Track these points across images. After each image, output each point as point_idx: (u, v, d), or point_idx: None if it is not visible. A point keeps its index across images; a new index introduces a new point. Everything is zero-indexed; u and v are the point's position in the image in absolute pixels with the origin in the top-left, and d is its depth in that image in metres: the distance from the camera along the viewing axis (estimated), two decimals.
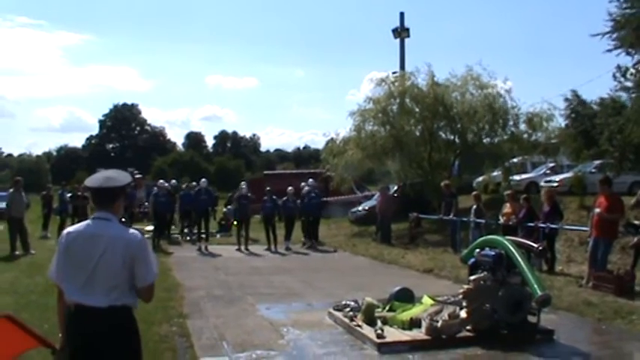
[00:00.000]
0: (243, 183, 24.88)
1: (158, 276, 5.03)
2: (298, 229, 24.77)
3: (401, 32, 37.19)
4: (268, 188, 24.73)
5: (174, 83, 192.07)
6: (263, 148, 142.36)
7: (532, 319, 9.77)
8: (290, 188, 24.78)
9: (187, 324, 10.68)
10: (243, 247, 22.62)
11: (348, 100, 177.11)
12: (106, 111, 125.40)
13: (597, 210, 14.60)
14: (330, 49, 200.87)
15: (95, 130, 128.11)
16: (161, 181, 26.95)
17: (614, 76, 20.72)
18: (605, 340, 10.04)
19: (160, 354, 8.61)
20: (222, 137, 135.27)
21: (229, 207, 31.30)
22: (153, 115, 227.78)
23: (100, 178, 4.95)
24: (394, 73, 32.42)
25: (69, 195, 28.68)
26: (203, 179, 25.46)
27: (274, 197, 24.04)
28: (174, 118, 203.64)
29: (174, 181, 31.18)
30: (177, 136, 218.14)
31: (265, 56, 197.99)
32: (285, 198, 24.26)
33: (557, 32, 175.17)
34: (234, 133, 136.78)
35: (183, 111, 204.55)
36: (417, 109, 28.72)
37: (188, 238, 25.89)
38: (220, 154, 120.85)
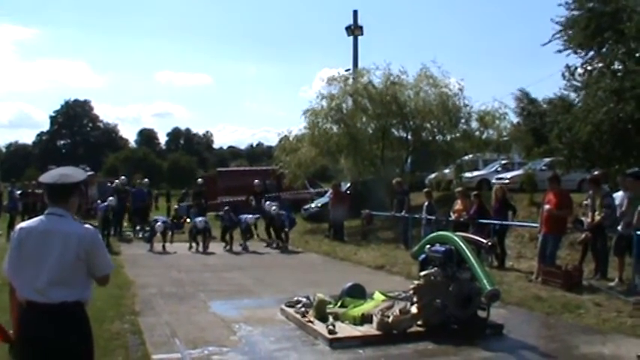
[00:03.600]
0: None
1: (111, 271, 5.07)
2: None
3: (354, 30, 37.20)
4: (227, 208, 23.75)
5: (124, 79, 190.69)
6: (216, 145, 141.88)
7: (482, 313, 9.91)
8: (249, 216, 23.21)
9: (139, 321, 10.62)
10: (200, 248, 21.84)
11: (301, 97, 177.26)
12: (57, 107, 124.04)
13: (547, 206, 14.80)
14: (283, 45, 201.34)
15: (45, 127, 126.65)
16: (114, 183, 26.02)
17: (564, 76, 20.95)
18: (553, 334, 10.18)
19: (112, 351, 8.55)
20: (175, 134, 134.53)
21: (182, 204, 31.22)
22: (104, 111, 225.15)
23: (55, 174, 4.93)
24: (347, 70, 32.55)
25: (19, 192, 28.30)
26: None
27: (231, 214, 23.01)
28: (125, 115, 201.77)
29: (123, 177, 30.87)
30: (129, 133, 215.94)
31: (216, 52, 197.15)
32: (245, 218, 22.90)
33: (509, 32, 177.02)
34: (187, 130, 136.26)
35: (135, 107, 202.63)
36: (371, 107, 28.77)
37: (140, 235, 25.68)
38: (173, 151, 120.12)
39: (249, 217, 23.03)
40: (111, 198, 24.03)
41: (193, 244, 22.01)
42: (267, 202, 23.32)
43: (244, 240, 22.52)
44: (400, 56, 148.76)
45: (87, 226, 4.97)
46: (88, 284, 4.89)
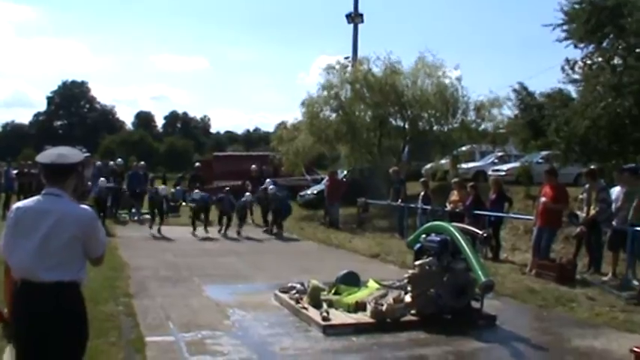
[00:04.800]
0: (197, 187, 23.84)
1: (105, 252, 5.08)
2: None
3: (354, 17, 37.23)
4: (228, 188, 23.67)
5: (122, 61, 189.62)
6: (213, 130, 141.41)
7: (476, 304, 9.96)
8: (247, 194, 23.53)
9: (133, 303, 10.68)
10: (201, 230, 21.83)
11: (298, 83, 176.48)
12: (54, 87, 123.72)
13: (542, 199, 14.84)
14: (281, 31, 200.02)
15: (42, 107, 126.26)
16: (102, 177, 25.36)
17: (563, 69, 20.94)
18: (546, 327, 10.23)
19: (106, 333, 8.56)
20: (172, 117, 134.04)
21: (178, 188, 31.21)
22: (101, 93, 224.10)
23: (52, 154, 4.92)
24: (346, 57, 32.50)
25: (15, 172, 28.24)
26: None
27: (231, 197, 22.81)
28: (122, 97, 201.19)
29: (120, 159, 30.91)
30: (126, 115, 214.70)
31: (214, 36, 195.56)
32: (243, 199, 23.06)
33: (508, 25, 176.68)
34: (185, 114, 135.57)
35: (132, 89, 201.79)
36: (369, 95, 28.73)
37: (135, 218, 25.71)
38: (170, 134, 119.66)
39: (247, 195, 23.22)
40: (102, 179, 23.97)
41: (197, 228, 22.06)
42: (267, 180, 23.13)
43: (240, 225, 22.46)
44: (399, 44, 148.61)
45: (84, 206, 4.97)
46: (83, 265, 4.88)
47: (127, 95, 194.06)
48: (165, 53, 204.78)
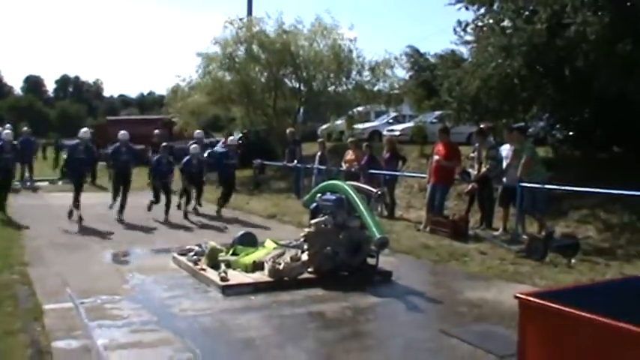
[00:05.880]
0: (122, 133, 17.96)
1: None
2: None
3: None
4: (164, 144, 18.76)
5: (9, 21, 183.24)
6: (106, 94, 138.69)
7: (371, 261, 10.14)
8: (194, 146, 18.82)
9: (29, 272, 10.44)
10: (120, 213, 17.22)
11: (194, 44, 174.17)
12: None
13: (436, 157, 15.13)
14: None
15: None
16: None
17: (455, 31, 21.21)
18: (440, 281, 10.56)
19: (1, 302, 8.41)
20: (63, 81, 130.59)
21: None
22: None
23: None
24: (241, 19, 32.21)
25: None
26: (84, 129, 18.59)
27: (171, 159, 18.12)
28: (9, 60, 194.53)
29: (8, 125, 29.98)
30: (13, 80, 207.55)
31: None
32: (188, 157, 18.19)
33: None
34: (76, 78, 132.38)
35: (21, 52, 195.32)
36: (264, 56, 28.63)
37: (28, 184, 25.14)
38: (62, 99, 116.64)
39: (194, 148, 18.77)
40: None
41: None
42: (193, 146, 18.99)
43: (198, 196, 19.04)
44: (294, 4, 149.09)
45: None
46: None
47: (15, 58, 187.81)
48: (56, 12, 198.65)
